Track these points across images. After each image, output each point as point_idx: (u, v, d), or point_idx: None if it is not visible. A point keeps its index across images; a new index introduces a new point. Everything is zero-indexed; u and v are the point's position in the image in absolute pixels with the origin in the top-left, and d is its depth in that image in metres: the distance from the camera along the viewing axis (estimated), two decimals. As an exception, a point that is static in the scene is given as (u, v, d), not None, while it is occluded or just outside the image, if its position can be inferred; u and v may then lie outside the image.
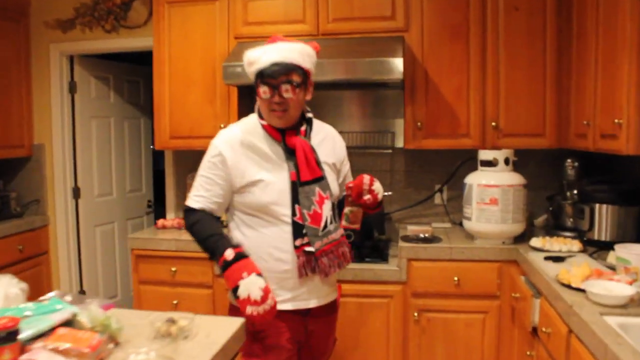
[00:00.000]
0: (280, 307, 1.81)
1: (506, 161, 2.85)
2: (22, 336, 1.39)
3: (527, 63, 2.99)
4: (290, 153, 1.91)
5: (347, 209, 1.97)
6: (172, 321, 1.60)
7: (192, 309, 3.08)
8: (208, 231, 1.88)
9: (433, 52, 3.06)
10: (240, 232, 1.97)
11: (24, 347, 1.37)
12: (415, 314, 2.85)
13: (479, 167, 2.92)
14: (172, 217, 3.69)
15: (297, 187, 1.89)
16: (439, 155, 3.42)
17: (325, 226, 1.91)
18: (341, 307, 2.20)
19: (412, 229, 3.12)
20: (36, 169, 3.91)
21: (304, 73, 1.88)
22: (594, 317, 1.74)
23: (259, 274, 1.74)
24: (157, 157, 4.62)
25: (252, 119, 1.99)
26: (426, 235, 3.04)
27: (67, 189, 3.94)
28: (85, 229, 4.04)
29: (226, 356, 1.54)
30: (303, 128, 1.97)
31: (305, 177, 1.89)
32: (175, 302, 3.06)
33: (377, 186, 1.96)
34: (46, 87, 3.87)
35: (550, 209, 3.12)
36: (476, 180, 2.86)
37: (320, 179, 1.92)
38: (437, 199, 3.48)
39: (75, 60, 3.93)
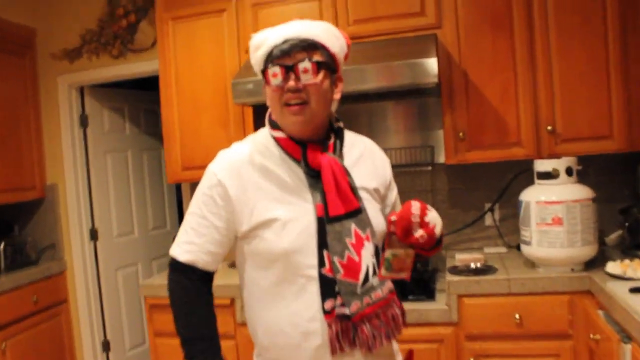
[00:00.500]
0: None
1: (568, 171, 2.39)
2: None
3: (584, 52, 2.54)
4: (314, 177, 1.40)
5: (388, 252, 1.38)
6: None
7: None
8: (192, 329, 1.43)
9: (472, 50, 2.66)
10: (249, 292, 1.47)
11: None
12: (471, 360, 2.40)
13: (536, 181, 2.47)
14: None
15: (324, 225, 1.37)
16: (487, 169, 2.98)
17: (367, 279, 1.38)
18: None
19: (460, 258, 2.69)
20: (50, 211, 3.71)
21: (329, 56, 1.38)
22: None
23: None
24: (182, 188, 4.37)
25: (262, 134, 1.49)
26: (478, 264, 2.60)
27: (83, 230, 3.71)
28: (105, 273, 3.80)
29: None
30: (331, 141, 1.45)
31: (336, 211, 1.38)
32: (193, 355, 2.71)
33: (433, 216, 1.37)
34: (56, 123, 3.68)
35: (627, 224, 2.62)
36: (534, 196, 2.40)
37: (356, 213, 1.40)
38: (488, 220, 3.03)
39: (85, 92, 3.74)
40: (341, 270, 1.35)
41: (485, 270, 2.53)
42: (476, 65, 2.66)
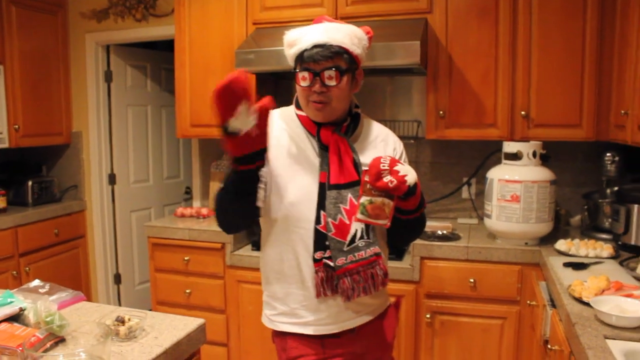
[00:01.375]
0: (301, 330, 1.64)
1: (533, 154, 2.59)
2: (-39, 330, 1.40)
3: (563, 45, 2.70)
4: (324, 150, 1.63)
5: (363, 198, 1.50)
6: (121, 320, 1.56)
7: (203, 298, 3.11)
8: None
9: (458, 35, 2.83)
10: (264, 233, 1.71)
11: (-41, 341, 1.38)
12: (428, 316, 2.68)
13: (503, 161, 2.68)
14: (197, 205, 3.70)
15: (325, 190, 1.59)
16: (468, 146, 3.20)
17: (353, 241, 1.58)
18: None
19: (430, 225, 2.93)
20: (74, 156, 4.06)
21: (352, 60, 1.59)
22: (595, 341, 1.52)
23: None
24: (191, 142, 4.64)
25: (290, 109, 1.72)
26: (444, 232, 2.85)
27: (103, 175, 4.05)
28: (120, 214, 4.16)
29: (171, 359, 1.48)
30: (345, 124, 1.67)
31: (335, 180, 1.59)
32: (188, 291, 3.07)
33: (403, 167, 1.49)
34: (83, 77, 3.97)
35: (586, 207, 2.83)
36: (498, 174, 2.63)
37: (354, 184, 1.59)
38: (465, 193, 3.25)
39: (111, 49, 4.01)
40: (333, 229, 1.56)
41: (449, 237, 2.78)
42: (461, 49, 2.83)
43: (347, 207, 1.58)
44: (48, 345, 1.43)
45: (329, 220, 1.57)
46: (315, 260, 1.58)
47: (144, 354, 1.43)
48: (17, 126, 3.54)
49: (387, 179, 1.46)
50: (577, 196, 3.02)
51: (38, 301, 1.56)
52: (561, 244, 2.50)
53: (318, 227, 1.58)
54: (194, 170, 3.76)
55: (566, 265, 2.24)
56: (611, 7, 2.59)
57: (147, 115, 4.34)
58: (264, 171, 1.50)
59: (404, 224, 1.61)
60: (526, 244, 2.61)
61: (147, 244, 3.20)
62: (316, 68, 1.54)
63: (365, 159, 1.61)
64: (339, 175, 1.59)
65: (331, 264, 1.57)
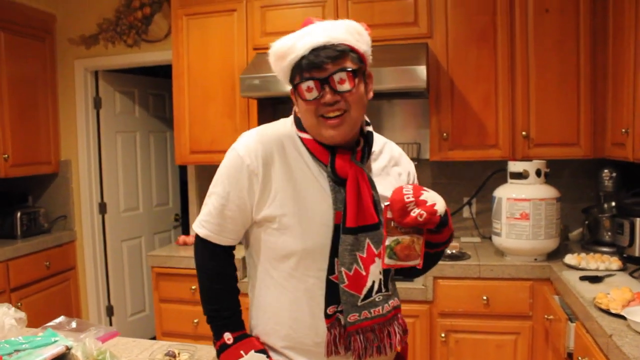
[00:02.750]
0: None
1: (537, 173, 2.68)
2: (12, 372, 1.34)
3: (559, 68, 2.82)
4: (338, 183, 1.35)
5: (389, 240, 1.27)
6: (172, 355, 1.53)
7: (212, 328, 3.04)
8: (217, 300, 1.45)
9: (458, 59, 2.92)
10: (261, 279, 1.46)
11: (13, 384, 1.32)
12: (443, 335, 2.71)
13: (509, 180, 2.76)
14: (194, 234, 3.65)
15: (339, 233, 1.34)
16: (467, 166, 3.28)
17: (370, 294, 1.35)
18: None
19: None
20: (63, 185, 3.95)
21: (360, 59, 1.33)
22: (637, 351, 1.57)
23: (260, 350, 1.41)
24: (185, 169, 4.61)
25: (288, 127, 1.44)
26: (453, 251, 2.90)
27: (93, 204, 3.96)
28: (112, 244, 4.06)
29: (226, 392, 1.45)
30: (360, 147, 1.41)
31: (352, 223, 1.33)
32: (195, 321, 3.01)
33: (430, 195, 1.28)
34: (72, 103, 3.90)
35: (586, 222, 2.94)
36: (506, 193, 2.70)
37: (373, 227, 1.35)
38: (466, 213, 3.32)
39: (99, 76, 3.95)
40: (346, 281, 1.33)
41: (460, 256, 2.82)
42: (462, 73, 2.92)
43: (364, 255, 1.34)
44: (103, 383, 1.38)
45: (342, 269, 1.33)
46: (327, 316, 1.36)
47: (203, 387, 1.41)
48: (6, 155, 3.43)
49: (415, 212, 1.24)
50: (574, 212, 3.12)
51: (86, 339, 1.51)
52: (570, 259, 2.58)
53: (331, 277, 1.35)
54: (190, 197, 3.72)
55: (582, 278, 2.31)
56: (602, 31, 2.73)
57: (136, 141, 4.28)
58: None
59: (432, 256, 1.40)
60: (535, 259, 2.68)
61: (150, 274, 3.13)
62: (322, 74, 1.28)
63: (381, 189, 1.40)
64: (356, 217, 1.34)
65: (342, 320, 1.36)
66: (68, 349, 1.51)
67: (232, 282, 1.49)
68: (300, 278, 1.39)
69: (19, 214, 3.61)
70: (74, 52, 3.86)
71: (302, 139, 1.40)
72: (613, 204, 2.83)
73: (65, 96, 3.91)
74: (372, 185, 1.39)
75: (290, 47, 1.32)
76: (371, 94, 1.42)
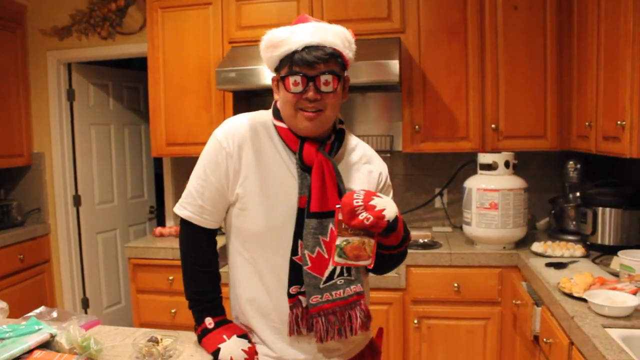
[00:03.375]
0: None
1: (506, 164, 2.78)
2: (-3, 360, 1.37)
3: (527, 62, 2.92)
4: (305, 170, 1.44)
5: (339, 240, 1.34)
6: (155, 341, 1.56)
7: (190, 318, 3.06)
8: (198, 284, 1.53)
9: (430, 53, 3.00)
10: (232, 259, 1.55)
11: (-3, 372, 1.35)
12: (415, 321, 2.80)
13: (479, 171, 2.85)
14: (170, 225, 3.67)
15: (303, 217, 1.42)
16: (439, 158, 3.37)
17: (331, 277, 1.42)
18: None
19: (411, 234, 3.06)
20: (36, 178, 3.91)
21: (344, 65, 1.43)
22: (596, 330, 1.68)
23: (242, 335, 1.48)
24: (160, 161, 4.60)
25: (265, 116, 1.53)
26: (425, 240, 2.99)
27: (67, 196, 3.93)
28: (86, 236, 4.04)
29: (209, 378, 1.50)
30: (330, 141, 1.49)
31: (316, 208, 1.40)
32: (173, 311, 3.03)
33: (380, 201, 1.33)
34: (44, 96, 3.86)
35: (553, 212, 3.05)
36: (475, 184, 2.80)
37: None
38: (438, 203, 3.41)
39: (73, 68, 3.91)
40: (309, 263, 1.40)
41: (431, 245, 2.91)
42: (433, 67, 3.00)
43: (327, 239, 1.41)
44: (87, 369, 1.42)
45: (306, 252, 1.40)
46: (290, 296, 1.43)
47: (184, 372, 1.45)
48: (-22, 148, 3.40)
49: (362, 216, 1.30)
50: (540, 202, 3.24)
51: (70, 326, 1.54)
52: (537, 247, 2.69)
53: (294, 258, 1.42)
54: (166, 190, 3.73)
55: (548, 265, 2.42)
56: (568, 27, 2.83)
57: (110, 134, 4.25)
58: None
59: (387, 258, 1.47)
60: (504, 248, 2.79)
61: (127, 265, 3.14)
62: (310, 72, 1.37)
63: (349, 184, 1.49)
64: (320, 203, 1.41)
65: (303, 302, 1.43)
66: (52, 336, 1.54)
67: (214, 266, 1.55)
68: (265, 257, 1.47)
69: (-10, 207, 3.58)
70: (46, 44, 3.81)
71: (276, 127, 1.49)
72: (578, 194, 2.95)
73: (38, 88, 3.86)
74: (338, 175, 1.46)
75: (284, 39, 1.39)
76: (346, 98, 1.51)
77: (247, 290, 1.51)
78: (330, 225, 1.42)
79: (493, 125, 2.96)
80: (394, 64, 2.74)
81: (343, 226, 1.34)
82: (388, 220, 1.32)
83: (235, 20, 3.16)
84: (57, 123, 3.85)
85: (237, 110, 3.21)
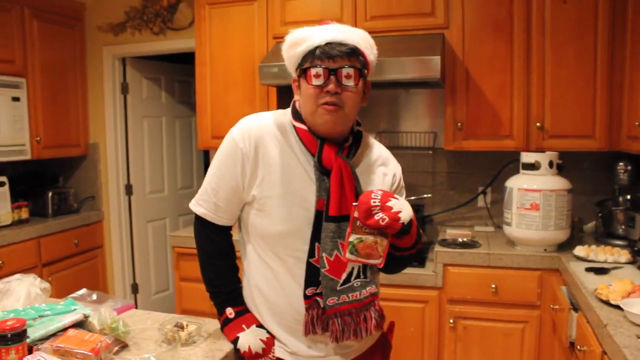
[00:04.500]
0: (287, 358, 1.52)
1: (550, 164, 2.70)
2: (33, 336, 1.47)
3: (575, 59, 2.81)
4: (323, 173, 1.43)
5: (353, 237, 1.37)
6: (180, 326, 1.63)
7: (229, 307, 3.15)
8: (217, 277, 1.57)
9: (474, 50, 2.94)
10: (249, 257, 1.57)
11: (33, 346, 1.44)
12: (451, 321, 2.76)
13: (521, 170, 2.78)
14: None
15: (321, 220, 1.42)
16: (483, 156, 3.30)
17: (348, 280, 1.44)
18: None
19: (450, 233, 3.03)
20: (91, 167, 4.11)
21: (365, 65, 1.43)
22: (629, 340, 1.61)
23: (260, 325, 1.52)
24: (208, 154, 4.72)
25: (283, 117, 1.52)
26: (465, 239, 2.94)
27: (120, 186, 4.11)
28: (137, 224, 4.21)
29: (229, 364, 1.55)
30: (348, 144, 1.49)
31: (336, 211, 1.41)
32: (213, 299, 3.12)
33: (397, 202, 1.36)
34: (100, 89, 4.04)
35: (600, 215, 2.93)
36: (517, 184, 2.73)
37: None
38: (481, 202, 3.35)
39: (127, 62, 4.08)
40: (327, 266, 1.41)
41: (470, 244, 2.87)
42: (477, 64, 2.93)
43: (345, 243, 1.41)
44: (115, 350, 1.49)
45: (324, 255, 1.41)
46: (306, 297, 1.44)
47: (207, 357, 1.50)
48: (38, 138, 3.60)
49: (378, 216, 1.33)
50: (589, 204, 3.13)
51: (101, 308, 1.62)
52: (580, 250, 2.60)
53: (311, 260, 1.43)
54: (211, 181, 3.82)
55: (588, 270, 2.34)
56: (621, 23, 2.71)
57: (161, 126, 4.41)
58: None
59: (397, 259, 1.50)
60: (545, 250, 2.71)
61: (172, 253, 3.26)
62: (332, 65, 1.36)
63: (365, 186, 1.49)
64: (339, 206, 1.41)
65: (321, 303, 1.45)
66: (86, 316, 1.63)
67: (231, 259, 1.58)
68: (281, 257, 1.47)
69: (50, 194, 3.79)
70: (103, 40, 3.99)
71: (296, 128, 1.48)
72: (628, 197, 2.82)
73: (94, 82, 4.05)
74: (356, 179, 1.46)
75: (307, 36, 1.40)
76: (365, 102, 1.51)
77: (262, 289, 1.53)
78: (348, 230, 1.42)
79: (538, 124, 2.87)
80: (436, 60, 2.70)
81: (358, 224, 1.36)
82: (403, 223, 1.34)
83: (279, 16, 3.20)
84: (111, 115, 4.03)
85: (280, 105, 3.26)
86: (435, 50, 2.76)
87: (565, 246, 2.75)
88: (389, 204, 1.34)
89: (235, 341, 1.52)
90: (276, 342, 1.53)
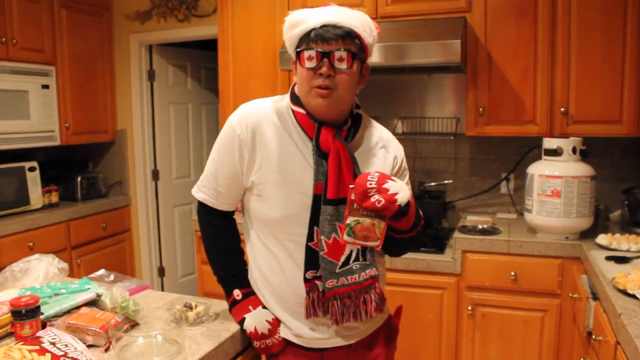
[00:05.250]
0: (294, 340, 1.54)
1: (573, 150, 2.63)
2: (47, 313, 1.52)
3: (603, 42, 2.72)
4: (321, 157, 1.44)
5: (350, 219, 1.37)
6: (189, 307, 1.67)
7: (249, 290, 3.20)
8: (223, 260, 1.60)
9: (497, 33, 2.87)
10: (251, 241, 1.59)
11: (46, 323, 1.50)
12: (469, 308, 2.74)
13: (543, 156, 2.72)
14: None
15: (320, 203, 1.44)
16: (506, 142, 3.24)
17: (347, 262, 1.45)
18: (393, 296, 1.78)
19: (471, 219, 3.00)
20: (119, 153, 4.21)
21: (362, 48, 1.42)
22: (642, 331, 1.58)
23: (266, 307, 1.55)
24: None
25: (284, 102, 1.52)
26: (485, 226, 2.91)
27: (146, 171, 4.20)
28: (164, 209, 4.30)
29: (235, 345, 1.57)
30: (346, 127, 1.49)
31: (334, 194, 1.41)
32: (233, 283, 3.17)
33: (394, 184, 1.35)
34: (127, 76, 4.12)
35: (626, 203, 2.85)
36: (538, 170, 2.67)
37: None
38: (504, 189, 3.29)
39: (153, 49, 4.14)
40: (325, 249, 1.42)
41: (490, 231, 2.83)
42: (500, 48, 2.87)
43: (343, 226, 1.41)
44: (125, 328, 1.54)
45: (322, 238, 1.42)
46: (306, 280, 1.46)
47: (213, 337, 1.52)
48: (67, 124, 3.70)
49: (374, 198, 1.32)
50: (616, 192, 3.04)
51: (113, 288, 1.67)
52: (602, 239, 2.54)
53: (310, 244, 1.44)
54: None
55: (608, 258, 2.28)
56: (653, 4, 2.61)
57: (188, 112, 4.48)
58: None
59: (397, 241, 1.51)
60: (567, 238, 2.65)
61: (194, 237, 3.31)
62: (325, 48, 1.36)
63: (365, 169, 1.49)
64: (337, 189, 1.42)
65: (319, 286, 1.46)
66: (98, 295, 1.68)
67: (235, 242, 1.61)
68: (282, 242, 1.49)
69: (79, 179, 3.89)
70: (130, 27, 4.05)
71: (294, 112, 1.48)
72: (656, 184, 2.74)
73: (122, 69, 4.13)
74: (354, 162, 1.46)
75: (303, 19, 1.40)
76: (363, 85, 1.50)
77: (264, 272, 1.55)
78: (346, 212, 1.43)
79: (562, 109, 2.80)
80: (456, 44, 2.65)
81: (355, 206, 1.36)
82: (400, 205, 1.34)
83: (301, 2, 3.19)
84: (138, 102, 4.11)
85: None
86: (456, 34, 2.71)
87: (588, 234, 2.69)
88: (385, 185, 1.33)
89: (241, 322, 1.55)
90: (282, 324, 1.55)
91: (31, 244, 3.30)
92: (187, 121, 4.48)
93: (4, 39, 3.27)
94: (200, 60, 4.55)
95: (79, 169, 4.13)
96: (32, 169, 3.51)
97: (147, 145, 4.18)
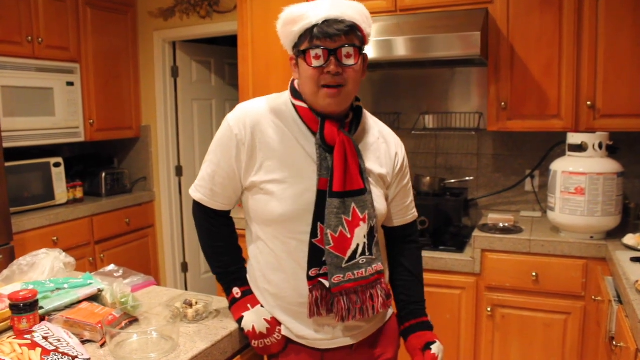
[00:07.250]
0: (296, 339, 1.53)
1: (599, 146, 2.52)
2: (48, 307, 1.53)
3: (632, 33, 2.58)
4: (325, 150, 1.41)
5: None
6: (189, 304, 1.65)
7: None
8: (221, 258, 1.58)
9: (520, 25, 2.77)
10: (252, 240, 1.58)
11: (46, 316, 1.51)
12: (489, 309, 2.66)
13: (567, 152, 2.61)
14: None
15: (324, 198, 1.40)
16: (531, 138, 3.13)
17: (354, 257, 1.41)
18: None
19: (491, 217, 2.91)
20: (143, 149, 4.25)
21: (362, 40, 1.40)
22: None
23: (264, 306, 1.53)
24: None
25: (283, 97, 1.50)
26: (506, 224, 2.81)
27: (170, 167, 4.23)
28: (187, 205, 4.31)
29: (233, 344, 1.55)
30: (349, 119, 1.47)
31: (340, 187, 1.39)
32: (250, 279, 3.16)
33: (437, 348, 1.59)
34: (151, 73, 4.16)
35: (657, 201, 2.72)
36: (561, 166, 2.57)
37: (359, 193, 1.41)
38: (528, 186, 3.18)
39: (177, 46, 4.16)
40: (331, 243, 1.39)
41: (512, 230, 2.73)
42: (523, 39, 2.76)
43: (350, 219, 1.39)
44: (123, 324, 1.53)
45: (328, 232, 1.38)
46: (309, 278, 1.42)
47: (210, 335, 1.50)
48: (92, 121, 3.76)
49: None
50: (650, 189, 2.91)
51: (114, 283, 1.67)
52: (629, 239, 2.42)
53: (314, 241, 1.41)
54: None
55: (634, 260, 2.17)
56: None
57: (211, 109, 4.49)
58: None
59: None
60: (592, 237, 2.54)
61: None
62: (331, 45, 1.33)
63: (368, 162, 1.48)
64: (343, 182, 1.39)
65: (326, 283, 1.41)
66: (100, 290, 1.68)
67: (232, 240, 1.59)
68: (283, 240, 1.45)
69: (104, 175, 3.95)
70: (153, 24, 4.09)
71: (296, 107, 1.45)
72: (690, 182, 2.59)
73: (145, 66, 4.17)
74: (359, 154, 1.45)
75: (303, 14, 1.36)
76: (364, 75, 1.47)
77: (265, 273, 1.52)
78: (353, 205, 1.40)
79: (589, 103, 2.68)
80: (476, 37, 2.57)
81: None
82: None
83: (318, -5, 3.15)
84: (162, 98, 4.14)
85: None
86: (476, 26, 2.62)
87: (616, 233, 2.57)
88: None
89: (240, 320, 1.53)
90: (283, 325, 1.53)
91: (55, 238, 3.37)
92: (210, 117, 4.49)
93: (29, 38, 3.34)
94: (224, 56, 4.56)
95: (105, 165, 4.20)
96: (57, 165, 3.58)
97: (170, 141, 4.21)
